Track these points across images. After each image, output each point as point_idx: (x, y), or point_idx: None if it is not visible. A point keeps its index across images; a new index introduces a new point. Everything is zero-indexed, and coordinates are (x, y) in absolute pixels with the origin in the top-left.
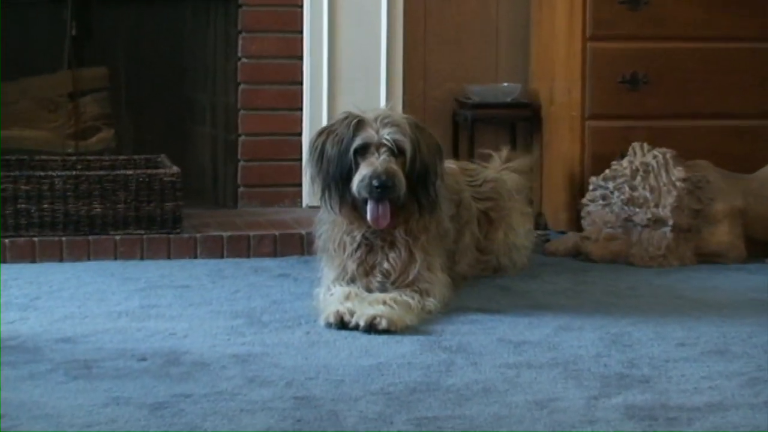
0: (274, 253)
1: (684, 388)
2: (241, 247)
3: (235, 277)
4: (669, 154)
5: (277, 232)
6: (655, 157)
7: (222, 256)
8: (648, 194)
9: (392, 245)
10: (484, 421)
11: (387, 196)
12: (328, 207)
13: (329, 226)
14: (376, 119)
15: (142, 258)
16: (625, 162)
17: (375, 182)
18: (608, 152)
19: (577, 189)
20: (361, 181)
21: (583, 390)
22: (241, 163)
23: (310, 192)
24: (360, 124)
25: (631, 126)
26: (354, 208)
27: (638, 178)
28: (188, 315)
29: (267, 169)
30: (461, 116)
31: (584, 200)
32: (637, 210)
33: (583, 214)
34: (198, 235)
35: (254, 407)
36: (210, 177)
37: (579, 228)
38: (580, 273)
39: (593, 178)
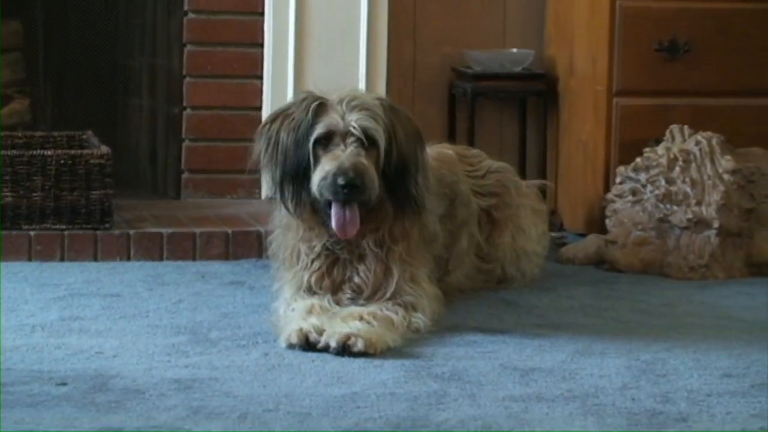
0: (225, 256)
1: (730, 428)
2: (185, 248)
3: (177, 284)
4: (715, 139)
5: (229, 230)
6: (697, 143)
7: (161, 258)
8: (688, 189)
9: (361, 258)
10: None
11: (355, 198)
12: (283, 208)
13: (281, 231)
14: (341, 101)
15: (62, 259)
16: (660, 149)
17: (340, 180)
18: (640, 137)
19: (601, 182)
20: (323, 179)
21: (606, 429)
22: (185, 143)
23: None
24: (322, 107)
25: (669, 104)
26: (314, 211)
27: (677, 169)
28: (119, 330)
29: (217, 152)
30: (459, 89)
31: (610, 196)
32: (675, 209)
33: (608, 212)
34: (132, 231)
35: None
36: (147, 160)
37: (603, 230)
38: (603, 285)
39: (621, 169)
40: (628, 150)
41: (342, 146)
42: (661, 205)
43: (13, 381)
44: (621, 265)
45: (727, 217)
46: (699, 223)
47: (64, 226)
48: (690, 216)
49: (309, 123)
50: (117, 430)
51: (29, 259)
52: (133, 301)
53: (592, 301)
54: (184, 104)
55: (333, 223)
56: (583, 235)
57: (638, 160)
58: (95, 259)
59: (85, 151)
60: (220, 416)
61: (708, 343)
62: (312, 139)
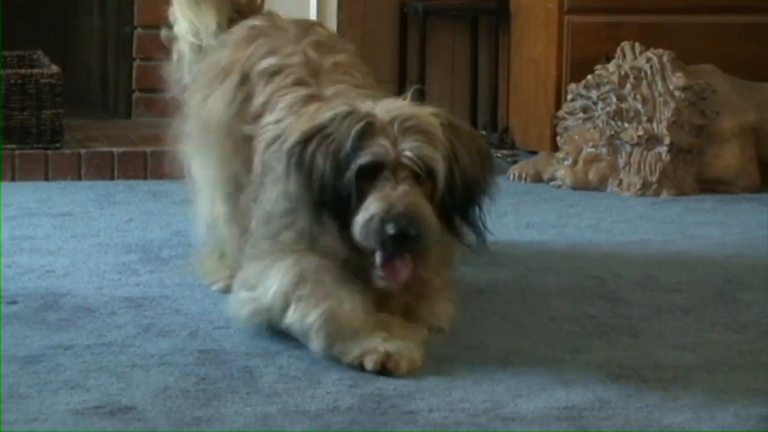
0: (174, 174)
1: (679, 342)
2: (137, 167)
3: (128, 203)
4: (666, 56)
5: None
6: (648, 60)
7: (112, 177)
8: (639, 106)
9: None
10: (427, 387)
11: (408, 249)
12: (313, 236)
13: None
14: (393, 122)
15: (13, 179)
16: (612, 66)
17: (390, 229)
18: (591, 54)
19: (553, 100)
20: (368, 222)
21: (556, 344)
22: (136, 63)
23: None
24: (368, 129)
25: (621, 22)
26: (357, 250)
27: (628, 86)
28: (70, 249)
29: (168, 71)
30: (411, 8)
31: (561, 113)
32: (626, 126)
33: (559, 130)
34: (83, 150)
35: (149, 362)
36: (98, 79)
37: (554, 147)
38: (554, 203)
39: (572, 86)
40: (580, 67)
41: (392, 181)
42: (612, 122)
43: None
44: (572, 182)
45: (678, 133)
46: (650, 140)
47: (14, 146)
48: (641, 133)
49: (352, 148)
50: (68, 347)
51: None
52: (83, 220)
53: (543, 219)
54: (135, 23)
55: (381, 270)
56: (534, 153)
57: (589, 77)
58: (46, 178)
59: (36, 71)
60: (171, 333)
61: (659, 259)
62: (355, 168)
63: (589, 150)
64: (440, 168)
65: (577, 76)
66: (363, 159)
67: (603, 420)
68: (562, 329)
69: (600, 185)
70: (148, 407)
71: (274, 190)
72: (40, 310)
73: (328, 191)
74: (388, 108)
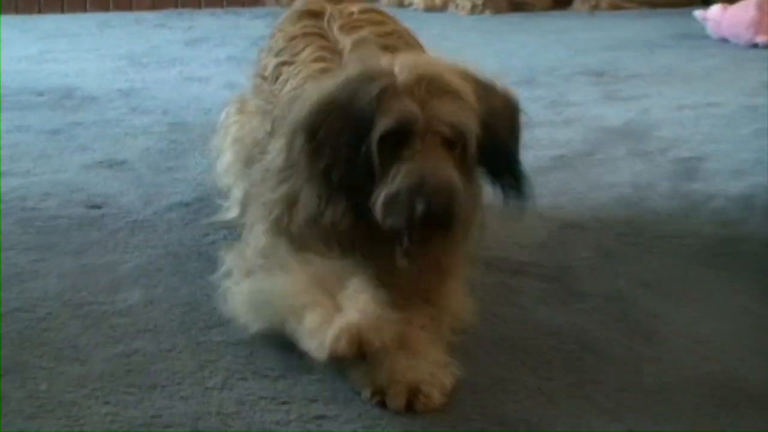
0: (152, 7)
1: None
2: (125, 2)
3: (120, 27)
4: None
5: None
6: None
7: (108, 9)
8: None
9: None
10: None
11: (438, 230)
12: (324, 214)
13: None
14: (419, 82)
15: (39, 11)
16: None
17: (420, 205)
18: None
19: None
20: (393, 199)
21: None
22: None
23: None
24: (388, 92)
25: None
26: (374, 227)
27: None
28: (80, 58)
29: None
30: None
31: None
32: None
33: None
34: None
35: (136, 131)
36: None
37: None
38: (410, 21)
39: None
40: None
41: (422, 151)
42: None
43: (7, 94)
44: (424, 6)
45: None
46: None
47: None
48: None
49: (371, 114)
50: (79, 123)
51: (16, 13)
52: (89, 39)
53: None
54: None
55: (403, 251)
56: None
57: None
58: (62, 11)
59: None
60: (151, 112)
61: (482, 54)
62: (376, 137)
63: None
64: (472, 135)
65: None
66: (386, 123)
67: None
68: None
69: (443, 8)
70: (135, 161)
71: (279, 144)
72: (60, 99)
73: (344, 166)
74: (410, 65)
